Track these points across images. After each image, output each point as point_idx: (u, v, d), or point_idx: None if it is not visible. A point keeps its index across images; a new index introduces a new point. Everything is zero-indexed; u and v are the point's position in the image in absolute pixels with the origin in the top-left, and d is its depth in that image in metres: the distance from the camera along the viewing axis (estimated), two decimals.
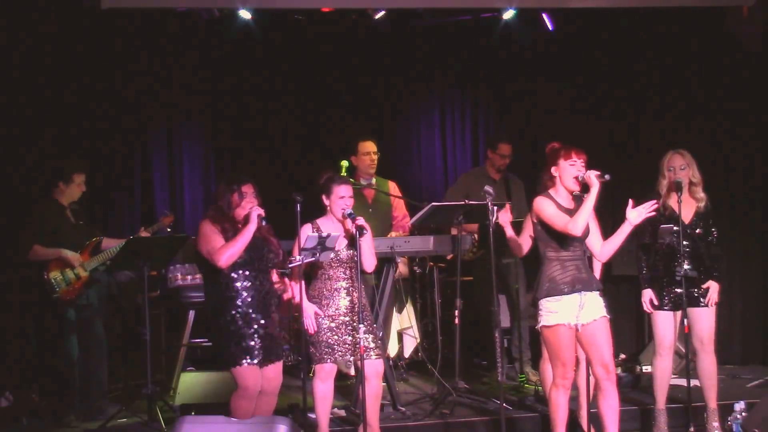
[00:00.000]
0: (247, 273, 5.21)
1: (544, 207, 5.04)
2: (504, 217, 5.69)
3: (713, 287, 5.74)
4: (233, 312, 5.17)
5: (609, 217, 6.10)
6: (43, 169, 7.21)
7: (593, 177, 4.91)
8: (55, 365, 6.40)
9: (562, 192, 5.09)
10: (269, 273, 5.35)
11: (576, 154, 5.03)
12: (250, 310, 5.18)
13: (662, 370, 5.76)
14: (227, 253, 5.09)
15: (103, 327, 6.46)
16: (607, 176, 4.93)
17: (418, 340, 7.48)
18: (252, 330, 5.16)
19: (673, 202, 5.73)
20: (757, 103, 7.79)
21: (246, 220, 5.16)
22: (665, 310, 5.74)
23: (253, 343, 5.15)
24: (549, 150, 5.21)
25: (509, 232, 5.68)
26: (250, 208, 5.17)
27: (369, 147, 6.98)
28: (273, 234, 5.40)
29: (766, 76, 7.68)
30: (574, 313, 4.98)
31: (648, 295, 5.76)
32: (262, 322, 5.20)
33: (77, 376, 6.30)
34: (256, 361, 5.15)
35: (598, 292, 5.05)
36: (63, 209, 6.40)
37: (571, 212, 4.99)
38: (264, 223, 5.16)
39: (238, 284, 5.19)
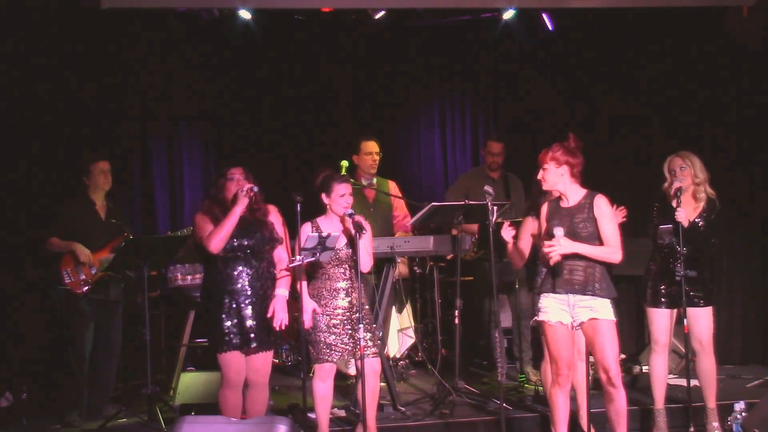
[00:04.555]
0: (240, 259, 5.22)
1: None
2: (507, 234, 5.65)
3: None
4: (222, 298, 5.20)
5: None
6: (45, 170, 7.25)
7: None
8: (65, 359, 6.38)
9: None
10: (266, 257, 5.33)
11: (540, 160, 5.09)
12: (241, 297, 5.19)
13: (658, 368, 5.76)
14: (215, 236, 5.15)
15: (121, 329, 6.47)
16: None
17: (414, 341, 7.48)
18: (239, 317, 5.17)
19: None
20: (756, 102, 7.77)
21: (234, 202, 5.19)
22: (662, 307, 5.74)
23: (237, 330, 5.16)
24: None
25: (511, 246, 5.66)
26: (237, 189, 5.21)
27: (371, 147, 6.99)
28: (279, 216, 5.41)
29: (766, 75, 7.67)
30: (567, 312, 4.99)
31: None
32: (254, 309, 5.20)
33: (86, 372, 6.28)
34: (239, 349, 5.17)
35: (594, 295, 4.96)
36: (90, 205, 6.41)
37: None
38: (254, 192, 5.17)
39: (231, 270, 5.22)
